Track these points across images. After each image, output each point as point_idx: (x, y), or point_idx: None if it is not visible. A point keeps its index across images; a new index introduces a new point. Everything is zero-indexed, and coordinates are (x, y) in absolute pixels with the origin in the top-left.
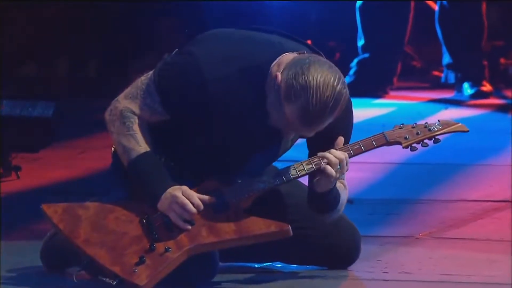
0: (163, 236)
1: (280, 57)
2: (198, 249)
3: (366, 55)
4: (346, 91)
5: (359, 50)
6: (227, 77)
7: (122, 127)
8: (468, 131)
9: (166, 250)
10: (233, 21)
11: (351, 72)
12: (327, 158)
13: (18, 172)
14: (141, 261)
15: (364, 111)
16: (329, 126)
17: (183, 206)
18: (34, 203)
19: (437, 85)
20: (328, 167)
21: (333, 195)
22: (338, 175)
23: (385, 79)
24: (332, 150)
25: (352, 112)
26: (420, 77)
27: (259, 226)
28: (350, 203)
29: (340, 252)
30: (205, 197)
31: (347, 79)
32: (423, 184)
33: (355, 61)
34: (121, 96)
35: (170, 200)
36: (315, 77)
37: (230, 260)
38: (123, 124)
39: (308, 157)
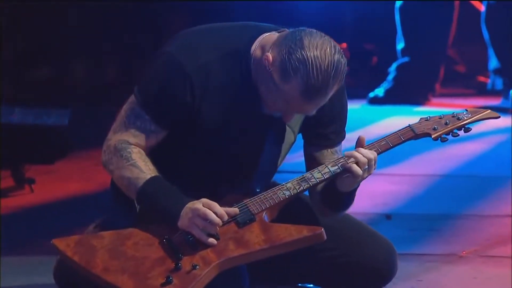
0: (188, 255)
1: (259, 38)
2: (227, 263)
3: (406, 59)
4: (344, 60)
5: (399, 54)
6: (208, 66)
7: (121, 160)
8: (499, 117)
9: (194, 267)
10: (264, 22)
11: (390, 77)
12: (355, 157)
13: (32, 185)
14: (167, 281)
15: (404, 120)
16: (325, 109)
17: (205, 217)
18: (49, 218)
19: (483, 91)
20: (355, 166)
21: (353, 195)
22: (365, 175)
23: (427, 85)
24: (361, 149)
25: (346, 93)
26: (464, 83)
27: (290, 232)
28: (389, 219)
29: (373, 271)
30: (228, 209)
31: (386, 85)
32: (467, 198)
33: (394, 65)
34: (110, 133)
35: (191, 215)
36: (311, 49)
37: (259, 283)
38: (120, 157)
39: (304, 146)
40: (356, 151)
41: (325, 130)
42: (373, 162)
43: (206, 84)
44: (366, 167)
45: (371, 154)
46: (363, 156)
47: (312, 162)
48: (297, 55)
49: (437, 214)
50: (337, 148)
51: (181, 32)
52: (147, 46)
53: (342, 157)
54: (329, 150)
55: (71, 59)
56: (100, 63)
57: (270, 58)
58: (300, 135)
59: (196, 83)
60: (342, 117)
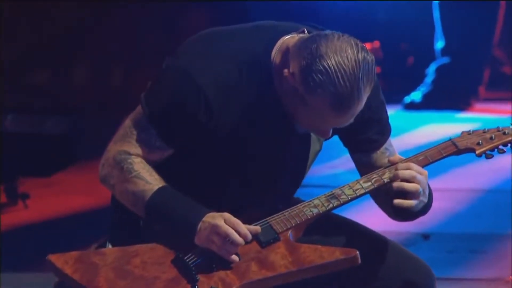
0: (205, 275)
1: (278, 43)
2: (249, 287)
3: (446, 60)
4: (370, 56)
5: (438, 54)
6: (225, 77)
7: (122, 173)
8: None
9: None
10: (294, 21)
11: (428, 80)
12: (400, 176)
13: (26, 201)
14: None
15: (444, 127)
16: (362, 112)
17: (227, 236)
18: (46, 237)
19: None
20: (407, 185)
21: (429, 206)
22: (423, 186)
23: (469, 89)
24: (409, 164)
25: (380, 88)
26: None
27: (320, 254)
28: (426, 239)
29: None
30: (250, 227)
31: (423, 89)
32: None
33: (433, 67)
34: (109, 145)
35: (209, 231)
36: (330, 55)
37: None
38: (121, 170)
39: (350, 154)
40: (403, 168)
41: (366, 134)
42: (419, 176)
43: (223, 97)
44: (420, 177)
45: (414, 166)
46: (408, 169)
47: (365, 168)
48: (318, 67)
49: (480, 234)
50: (385, 145)
51: (189, 40)
52: (157, 49)
53: (375, 172)
54: (377, 151)
55: (74, 62)
56: (106, 67)
57: (291, 75)
58: (328, 144)
59: (212, 98)
60: (382, 115)
